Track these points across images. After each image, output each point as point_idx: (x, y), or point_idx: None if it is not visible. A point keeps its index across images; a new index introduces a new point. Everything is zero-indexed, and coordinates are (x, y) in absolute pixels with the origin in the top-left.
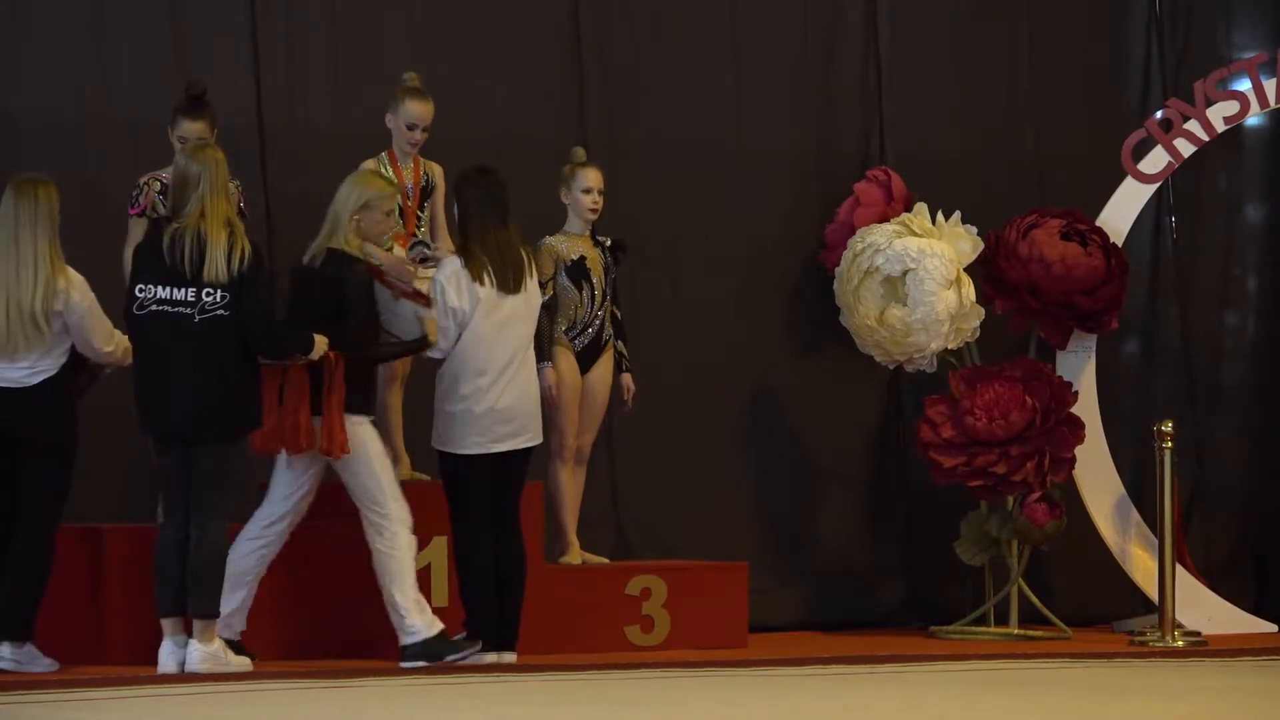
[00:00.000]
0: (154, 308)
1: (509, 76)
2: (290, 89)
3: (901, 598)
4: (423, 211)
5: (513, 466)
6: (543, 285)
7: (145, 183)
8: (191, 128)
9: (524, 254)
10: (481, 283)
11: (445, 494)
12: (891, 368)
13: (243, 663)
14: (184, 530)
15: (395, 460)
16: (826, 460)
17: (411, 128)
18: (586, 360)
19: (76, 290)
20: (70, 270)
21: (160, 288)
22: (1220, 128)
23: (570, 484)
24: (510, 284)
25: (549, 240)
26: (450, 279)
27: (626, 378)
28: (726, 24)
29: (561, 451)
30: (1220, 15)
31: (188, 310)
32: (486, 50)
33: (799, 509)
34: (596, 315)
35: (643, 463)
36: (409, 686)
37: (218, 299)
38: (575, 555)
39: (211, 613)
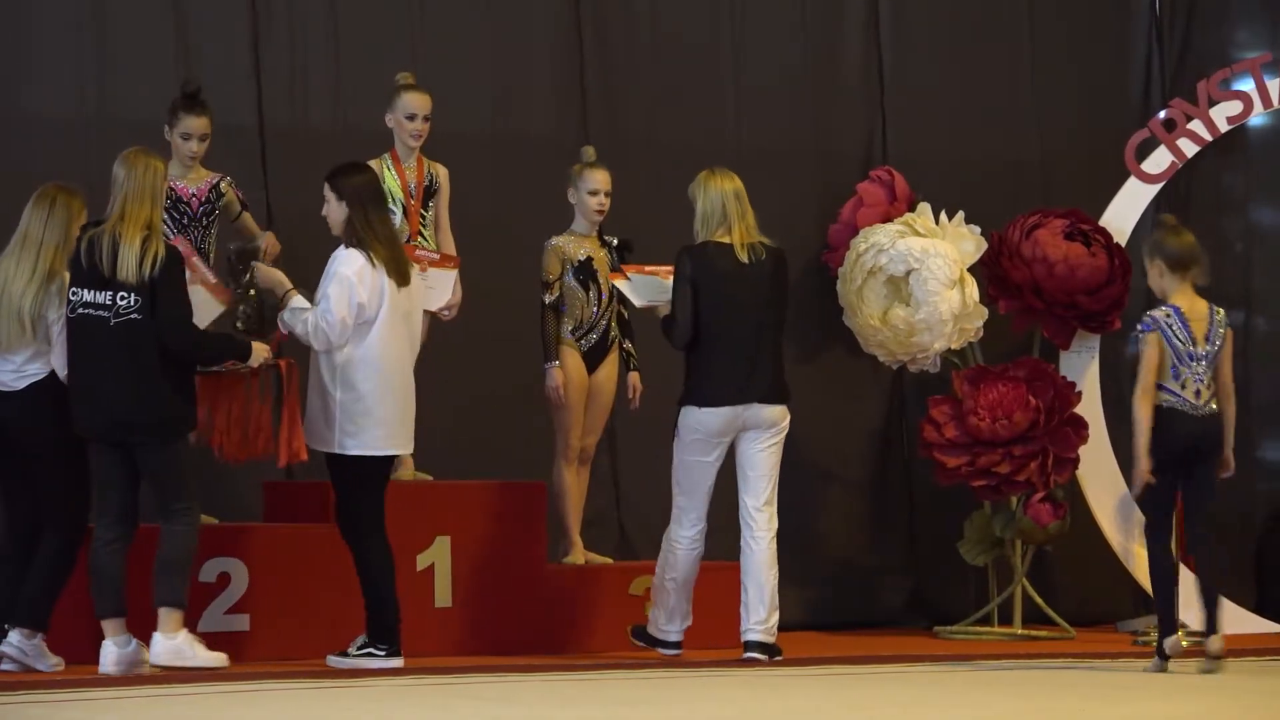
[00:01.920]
0: (81, 310)
1: (510, 76)
2: (291, 90)
3: (905, 598)
4: (426, 211)
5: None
6: (549, 285)
7: None
8: (196, 124)
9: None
10: (387, 274)
11: (342, 498)
12: (895, 368)
13: (215, 658)
14: (114, 531)
15: (399, 462)
16: (830, 460)
17: (411, 118)
18: (593, 360)
19: (67, 295)
20: (67, 276)
21: (85, 291)
22: (1224, 128)
23: (574, 484)
24: (402, 276)
25: (556, 240)
26: (357, 273)
27: (634, 376)
28: (728, 23)
29: (566, 452)
30: (1223, 15)
31: (105, 313)
32: (487, 50)
33: (802, 509)
34: (603, 315)
35: (645, 462)
36: (412, 687)
37: (131, 302)
38: (579, 555)
39: (175, 602)
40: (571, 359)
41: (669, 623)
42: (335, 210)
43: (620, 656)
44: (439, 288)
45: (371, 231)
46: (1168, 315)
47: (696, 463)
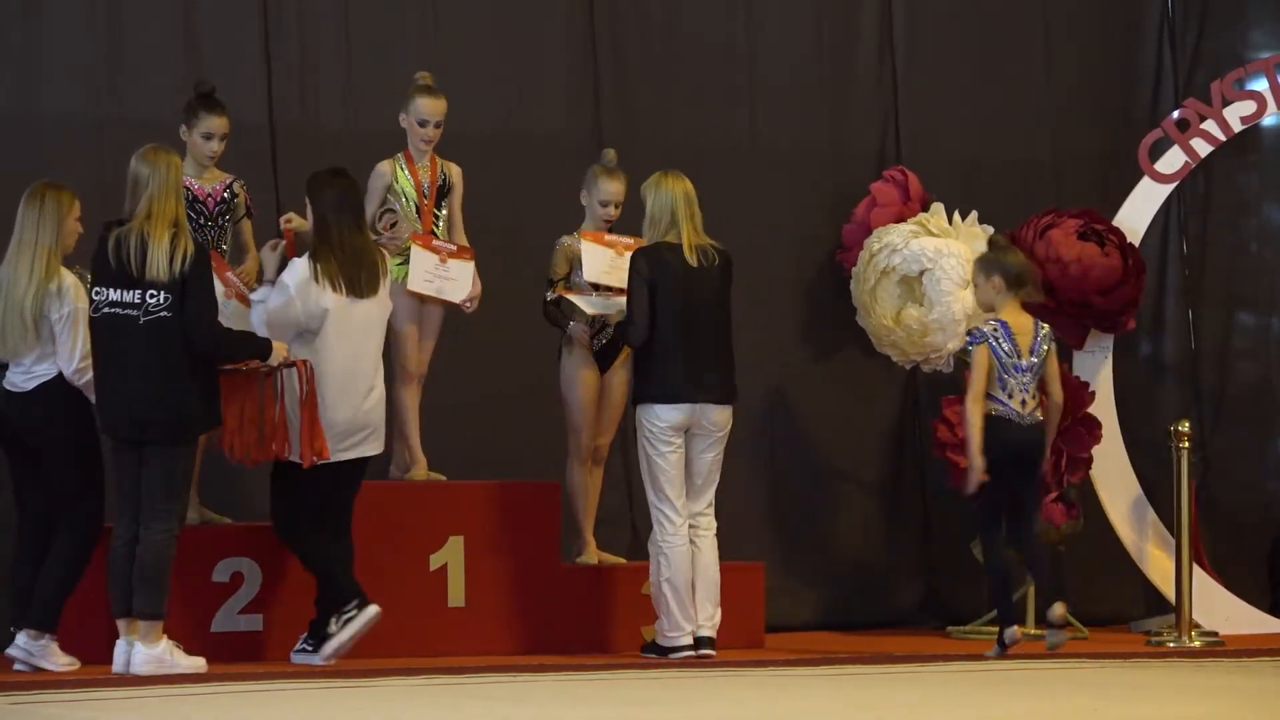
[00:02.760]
0: (107, 310)
1: (523, 76)
2: (302, 89)
3: (918, 598)
4: (440, 210)
5: (354, 473)
6: (553, 284)
7: None
8: (218, 123)
9: (378, 258)
10: (334, 289)
11: (278, 500)
12: (908, 368)
13: (195, 664)
14: (132, 531)
15: (412, 461)
16: (843, 460)
17: (423, 124)
18: (605, 360)
19: (68, 294)
20: (66, 273)
21: (112, 290)
22: (1237, 128)
23: (587, 484)
24: (362, 289)
25: (566, 240)
26: (298, 285)
27: None
28: (742, 24)
29: (579, 452)
30: (1237, 15)
31: (134, 312)
32: (500, 50)
33: (815, 509)
34: (615, 316)
35: None
36: (424, 686)
37: (161, 300)
38: (592, 555)
39: (154, 614)
40: (583, 359)
41: (673, 629)
42: (308, 216)
43: (633, 657)
44: (460, 279)
45: (328, 243)
46: (995, 329)
47: (666, 456)
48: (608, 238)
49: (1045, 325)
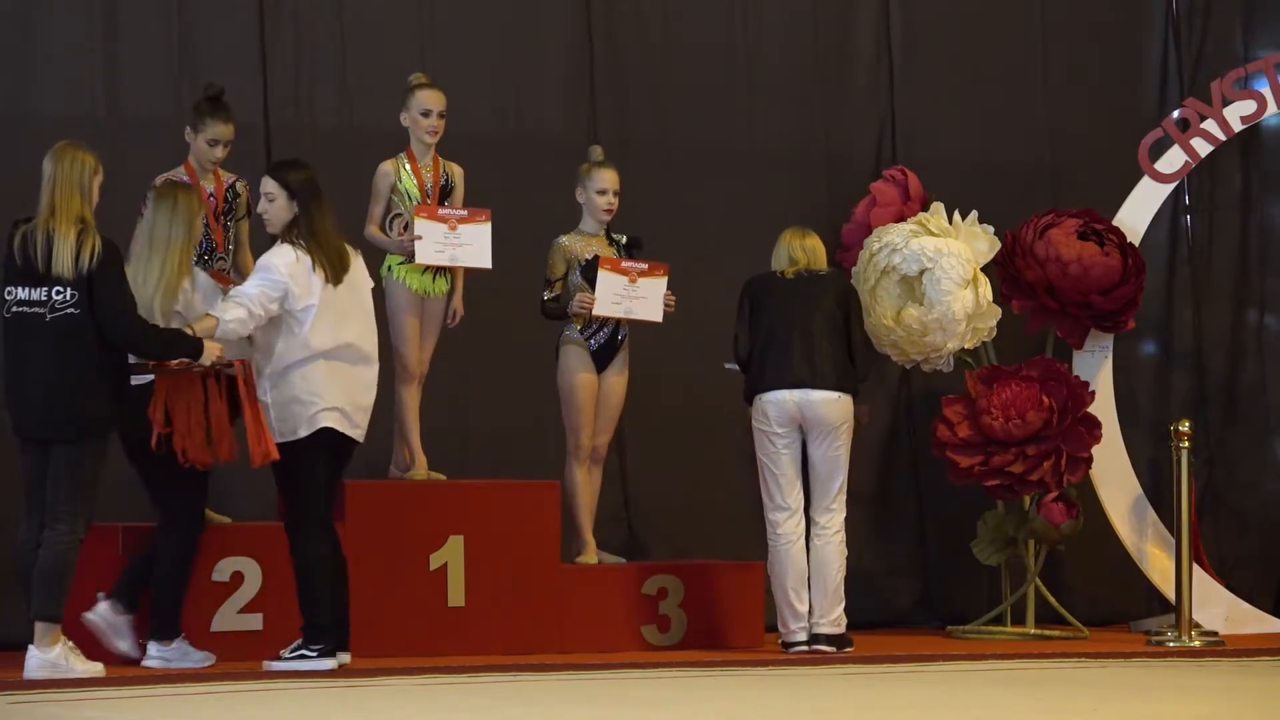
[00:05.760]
0: (15, 309)
1: (520, 75)
2: (297, 90)
3: (918, 597)
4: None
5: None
6: (550, 284)
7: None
8: (224, 130)
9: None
10: (325, 278)
11: (285, 488)
12: (908, 367)
13: (92, 669)
14: (40, 536)
15: (412, 461)
16: None
17: (426, 114)
18: (602, 360)
19: (197, 293)
20: (199, 273)
21: (20, 289)
22: (1237, 127)
23: (586, 484)
24: (338, 274)
25: (563, 239)
26: (288, 266)
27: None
28: (739, 23)
29: (577, 451)
30: (1237, 14)
31: (40, 309)
32: (497, 49)
33: None
34: None
35: (654, 462)
36: (424, 686)
37: (67, 297)
38: (591, 555)
39: (50, 616)
40: (580, 358)
41: (783, 626)
42: (282, 208)
43: (633, 656)
44: (475, 243)
45: (312, 234)
46: None
47: (770, 454)
48: (624, 264)
49: None
